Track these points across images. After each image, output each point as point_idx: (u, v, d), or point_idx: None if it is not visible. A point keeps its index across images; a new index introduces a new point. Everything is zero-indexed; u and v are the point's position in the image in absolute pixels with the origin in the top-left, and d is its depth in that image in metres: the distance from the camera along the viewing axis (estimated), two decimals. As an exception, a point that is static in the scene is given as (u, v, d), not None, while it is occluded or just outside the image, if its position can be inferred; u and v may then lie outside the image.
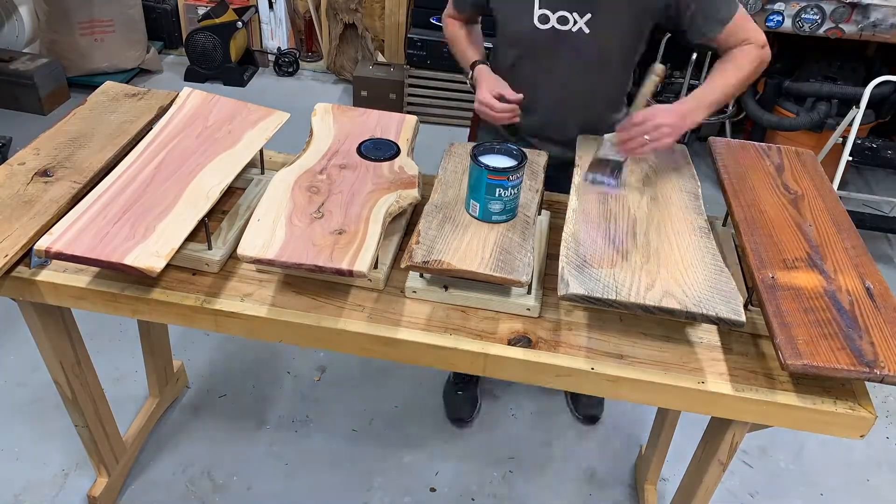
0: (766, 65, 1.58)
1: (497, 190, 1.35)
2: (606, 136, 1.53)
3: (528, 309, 1.34)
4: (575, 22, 1.57)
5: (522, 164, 1.37)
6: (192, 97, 1.70)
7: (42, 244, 1.25)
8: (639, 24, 1.60)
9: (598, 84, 1.70)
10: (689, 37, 1.59)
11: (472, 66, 1.75)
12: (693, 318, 1.20)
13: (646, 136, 1.44)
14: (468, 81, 1.75)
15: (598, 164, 1.51)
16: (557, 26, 1.59)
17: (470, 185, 1.38)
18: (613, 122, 1.74)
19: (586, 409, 2.31)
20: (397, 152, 1.55)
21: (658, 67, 1.46)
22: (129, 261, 1.23)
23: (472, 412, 2.30)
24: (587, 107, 1.73)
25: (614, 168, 1.50)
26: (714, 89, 1.52)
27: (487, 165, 1.34)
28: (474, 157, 1.36)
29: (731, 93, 1.56)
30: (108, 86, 1.81)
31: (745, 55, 1.55)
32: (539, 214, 1.54)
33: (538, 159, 1.60)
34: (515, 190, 1.37)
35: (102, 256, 1.23)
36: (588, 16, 1.56)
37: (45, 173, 1.48)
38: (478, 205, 1.38)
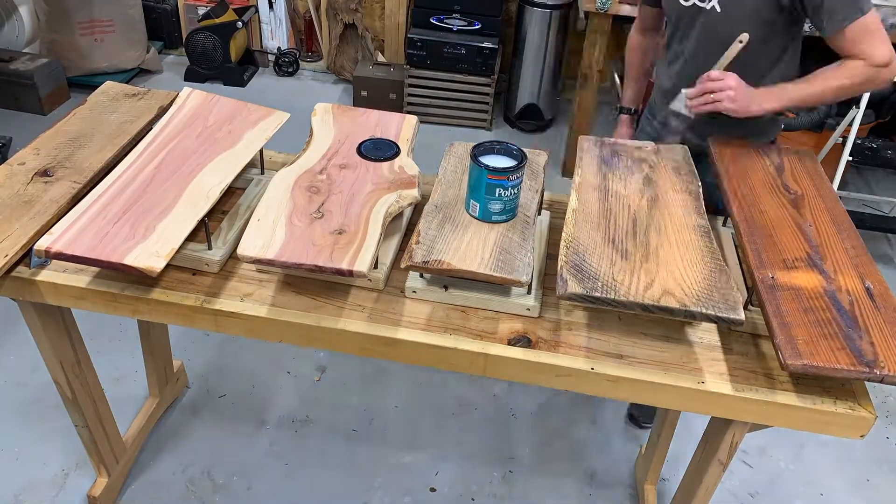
0: (881, 85, 1.55)
1: (497, 190, 1.35)
2: (684, 90, 1.60)
3: (528, 309, 1.34)
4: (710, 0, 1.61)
5: (522, 164, 1.37)
6: (192, 97, 1.70)
7: (42, 244, 1.25)
8: (767, 7, 1.58)
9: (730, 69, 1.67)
10: (817, 29, 1.59)
11: (620, 109, 2.00)
12: (692, 317, 1.20)
13: (712, 95, 1.49)
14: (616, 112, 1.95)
15: (671, 112, 1.65)
16: (698, 3, 1.63)
17: (470, 185, 1.39)
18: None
19: (647, 418, 2.30)
20: (397, 152, 1.55)
21: (743, 35, 1.49)
22: (129, 261, 1.23)
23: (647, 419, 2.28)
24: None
25: (682, 120, 1.62)
26: (800, 88, 1.52)
27: (487, 165, 1.34)
28: (474, 157, 1.36)
29: (819, 99, 1.55)
30: (108, 86, 1.81)
31: (849, 68, 1.53)
32: (539, 214, 1.54)
33: (538, 159, 1.60)
34: (515, 190, 1.37)
35: (102, 256, 1.23)
36: None
37: (45, 173, 1.49)
38: (478, 205, 1.38)
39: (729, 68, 1.57)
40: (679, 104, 1.63)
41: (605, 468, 2.20)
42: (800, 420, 1.23)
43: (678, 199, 1.48)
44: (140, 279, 1.34)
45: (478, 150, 1.39)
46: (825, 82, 1.54)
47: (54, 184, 1.46)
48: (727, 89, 1.49)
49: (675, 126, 1.66)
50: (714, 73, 1.52)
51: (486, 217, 1.39)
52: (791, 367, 1.12)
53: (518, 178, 1.36)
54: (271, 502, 2.03)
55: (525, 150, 1.43)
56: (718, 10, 1.61)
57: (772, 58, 1.69)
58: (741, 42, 1.52)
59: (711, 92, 1.51)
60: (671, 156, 1.63)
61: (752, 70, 1.65)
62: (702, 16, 1.65)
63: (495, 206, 1.37)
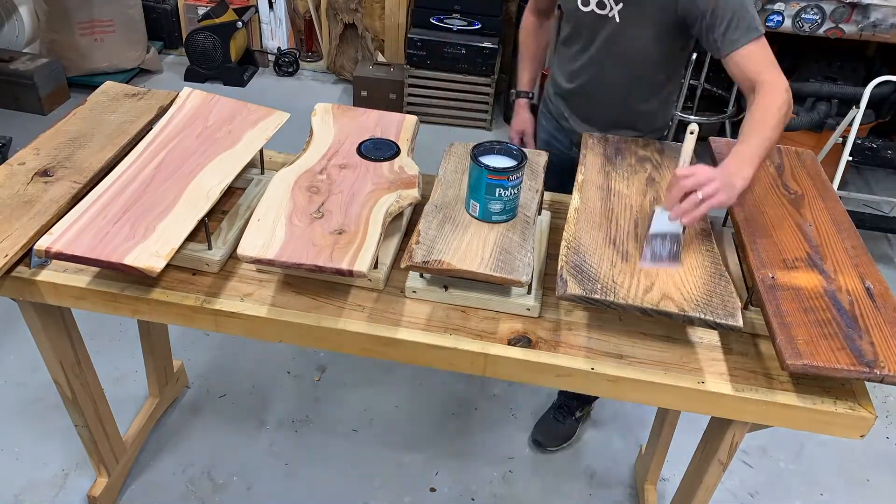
0: (791, 109, 1.44)
1: (497, 190, 1.35)
2: (657, 207, 1.34)
3: (528, 309, 1.34)
4: (611, 8, 1.58)
5: (522, 164, 1.37)
6: (192, 97, 1.70)
7: (42, 244, 1.25)
8: (664, 23, 1.56)
9: (630, 78, 1.68)
10: (708, 50, 1.55)
11: (517, 94, 1.93)
12: (690, 322, 1.20)
13: (698, 194, 1.28)
14: (512, 96, 1.88)
15: (655, 239, 1.32)
16: (597, 10, 1.60)
17: (470, 185, 1.39)
18: (636, 106, 1.73)
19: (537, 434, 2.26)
20: (397, 152, 1.55)
21: (693, 126, 1.37)
22: (129, 261, 1.23)
23: (552, 442, 2.25)
24: (619, 99, 1.73)
25: (672, 241, 1.31)
26: (755, 145, 1.37)
27: (488, 165, 1.34)
28: (474, 157, 1.36)
29: (773, 144, 1.40)
30: (108, 86, 1.81)
31: (773, 104, 1.40)
32: (539, 214, 1.54)
33: (538, 159, 1.60)
34: (515, 190, 1.37)
35: (102, 256, 1.23)
36: (620, 5, 1.56)
37: (45, 173, 1.49)
38: (478, 205, 1.38)
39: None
40: (661, 224, 1.32)
41: (605, 468, 2.19)
42: (800, 420, 1.23)
43: (678, 200, 1.47)
44: (140, 279, 1.34)
45: (478, 150, 1.39)
46: (768, 127, 1.38)
47: (54, 184, 1.46)
48: (712, 182, 1.28)
49: (669, 244, 1.33)
50: (681, 170, 1.31)
51: (486, 217, 1.39)
52: (791, 367, 1.12)
53: (518, 178, 1.36)
54: (271, 502, 2.03)
55: (525, 149, 1.43)
56: (618, 20, 1.58)
57: (668, 71, 1.69)
58: (692, 133, 1.36)
59: (691, 192, 1.29)
60: (675, 155, 1.63)
61: (647, 85, 1.69)
62: (604, 25, 1.61)
63: (495, 206, 1.37)
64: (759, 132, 1.38)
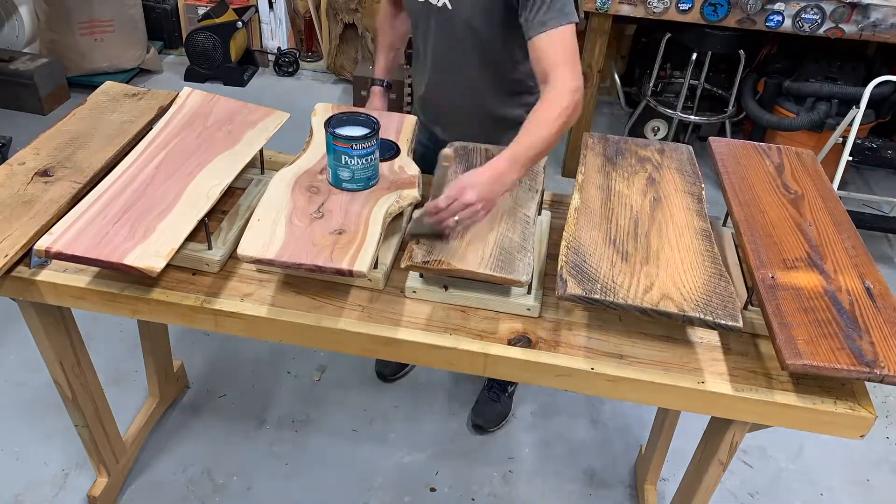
0: (578, 114, 1.39)
1: (343, 157, 1.38)
2: (416, 211, 1.34)
3: (529, 309, 1.34)
4: None
5: (369, 135, 1.38)
6: (191, 97, 1.70)
7: (42, 244, 1.25)
8: (492, 4, 1.50)
9: (472, 66, 1.63)
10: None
11: (372, 81, 1.86)
12: (690, 322, 1.20)
13: (456, 218, 1.28)
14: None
15: (418, 236, 1.34)
16: (431, 0, 1.56)
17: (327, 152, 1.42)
18: (498, 110, 1.70)
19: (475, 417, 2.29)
20: (397, 152, 1.55)
21: (446, 151, 1.30)
22: (129, 261, 1.23)
23: (492, 423, 2.28)
24: (465, 89, 1.69)
25: (434, 238, 1.33)
26: (528, 147, 1.34)
27: (334, 132, 1.37)
28: (328, 123, 1.39)
29: (546, 148, 1.36)
30: (108, 86, 1.81)
31: (555, 104, 1.36)
32: (539, 214, 1.54)
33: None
34: (365, 160, 1.39)
35: (102, 256, 1.23)
36: None
37: (45, 173, 1.49)
38: (330, 171, 1.42)
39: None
40: (421, 227, 1.32)
41: (605, 468, 2.19)
42: (800, 420, 1.23)
43: (681, 201, 1.48)
44: (140, 279, 1.34)
45: (336, 118, 1.42)
46: (542, 128, 1.35)
47: (54, 184, 1.46)
48: (471, 205, 1.27)
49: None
50: (441, 202, 1.27)
51: (336, 183, 1.42)
52: (791, 367, 1.12)
53: (365, 148, 1.38)
54: (271, 502, 2.03)
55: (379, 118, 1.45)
56: (449, 6, 1.52)
57: (514, 58, 1.62)
58: (446, 163, 1.32)
59: (454, 215, 1.28)
60: (676, 156, 1.63)
61: (500, 72, 1.64)
62: (437, 13, 1.56)
63: (344, 174, 1.40)
64: (536, 133, 1.35)
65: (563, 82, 1.38)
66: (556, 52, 1.40)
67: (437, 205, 1.28)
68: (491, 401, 2.28)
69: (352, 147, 1.37)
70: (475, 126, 1.73)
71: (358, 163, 1.39)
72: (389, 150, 1.55)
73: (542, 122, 1.36)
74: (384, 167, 1.50)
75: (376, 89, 1.86)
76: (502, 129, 1.67)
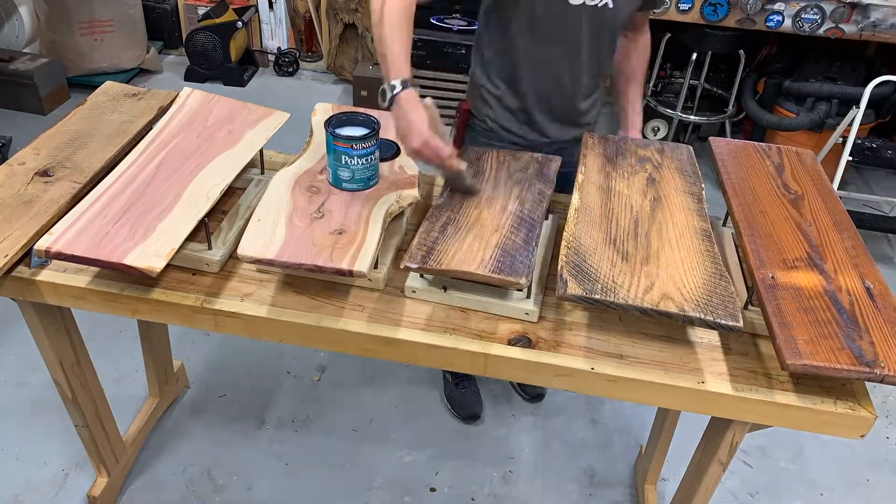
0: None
1: (343, 157, 1.38)
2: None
3: (527, 314, 1.33)
4: None
5: (369, 135, 1.39)
6: (192, 97, 1.70)
7: (42, 244, 1.25)
8: None
9: (599, 61, 1.71)
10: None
11: (404, 84, 1.37)
12: (690, 322, 1.20)
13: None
14: (387, 93, 1.38)
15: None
16: (587, 2, 1.56)
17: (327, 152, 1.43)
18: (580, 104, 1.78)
19: (533, 388, 2.35)
20: (398, 152, 1.55)
21: (427, 100, 1.32)
22: (129, 261, 1.23)
23: (481, 407, 2.32)
24: (591, 83, 1.77)
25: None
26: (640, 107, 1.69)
27: (334, 132, 1.37)
28: (328, 123, 1.40)
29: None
30: (108, 86, 1.81)
31: (644, 52, 1.79)
32: (546, 219, 1.54)
33: (551, 164, 1.59)
34: (365, 160, 1.40)
35: (102, 256, 1.23)
36: None
37: (45, 173, 1.48)
38: (330, 171, 1.42)
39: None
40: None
41: (605, 468, 2.20)
42: (800, 420, 1.23)
43: (681, 201, 1.47)
44: (140, 279, 1.34)
45: (336, 118, 1.43)
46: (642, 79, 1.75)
47: (54, 184, 1.46)
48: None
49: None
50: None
51: (336, 183, 1.43)
52: (791, 367, 1.12)
53: (365, 148, 1.38)
54: (271, 502, 2.03)
55: (378, 118, 1.46)
56: (611, 5, 1.57)
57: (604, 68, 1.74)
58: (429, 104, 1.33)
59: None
60: (676, 156, 1.63)
61: (603, 66, 1.73)
62: (595, 14, 1.58)
63: (344, 174, 1.41)
64: (642, 90, 1.84)
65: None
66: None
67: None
68: (470, 392, 2.32)
69: (352, 147, 1.37)
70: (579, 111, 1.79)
71: (358, 163, 1.39)
72: (390, 150, 1.55)
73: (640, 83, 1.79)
74: (384, 167, 1.50)
75: (412, 93, 1.37)
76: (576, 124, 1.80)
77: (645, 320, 1.34)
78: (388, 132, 1.62)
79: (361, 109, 1.49)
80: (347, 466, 2.14)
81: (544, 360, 1.26)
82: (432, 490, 2.10)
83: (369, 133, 1.40)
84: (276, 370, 2.42)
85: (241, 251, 1.25)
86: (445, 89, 3.91)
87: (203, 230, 1.37)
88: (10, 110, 3.78)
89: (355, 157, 1.38)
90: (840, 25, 3.06)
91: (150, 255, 1.24)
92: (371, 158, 1.41)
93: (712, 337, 1.33)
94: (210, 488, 2.05)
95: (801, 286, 1.27)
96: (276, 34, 4.45)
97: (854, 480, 2.23)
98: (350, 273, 1.22)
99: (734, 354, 1.30)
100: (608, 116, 4.23)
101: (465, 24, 3.78)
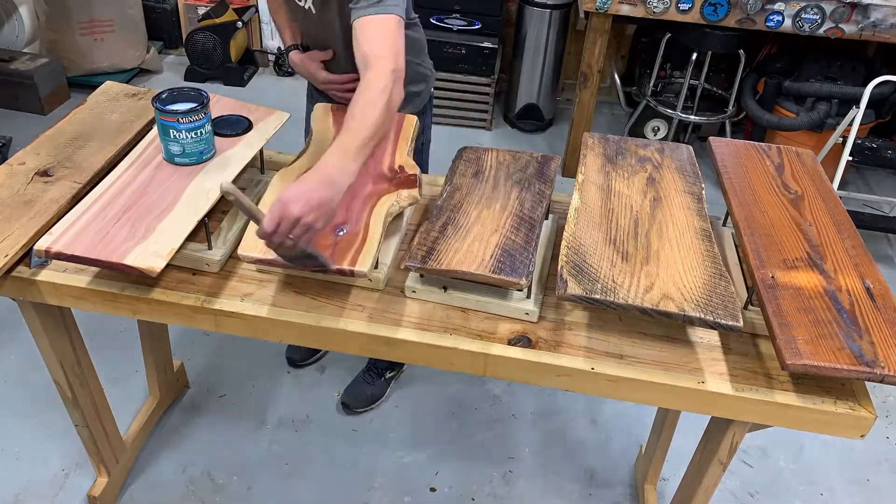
0: (400, 95, 1.36)
1: (171, 132, 1.41)
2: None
3: (527, 314, 1.33)
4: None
5: (196, 109, 1.41)
6: (192, 97, 1.70)
7: (42, 244, 1.25)
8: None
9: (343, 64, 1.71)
10: None
11: (288, 49, 1.83)
12: (690, 322, 1.20)
13: (290, 238, 1.15)
14: (284, 57, 1.80)
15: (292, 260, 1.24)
16: (297, 2, 1.67)
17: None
18: None
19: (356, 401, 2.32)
20: (249, 127, 1.59)
21: (224, 189, 1.09)
22: (129, 261, 1.23)
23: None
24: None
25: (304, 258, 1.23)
26: (356, 133, 1.26)
27: (160, 108, 1.40)
28: (155, 99, 1.42)
29: (376, 130, 1.29)
30: (108, 86, 1.81)
31: (371, 87, 1.33)
32: (546, 219, 1.54)
33: (551, 163, 1.59)
34: (194, 134, 1.42)
35: (102, 256, 1.23)
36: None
37: (45, 173, 1.49)
38: (163, 147, 1.45)
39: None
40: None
41: (605, 468, 2.20)
42: (800, 420, 1.23)
43: (681, 201, 1.48)
44: (140, 279, 1.34)
45: (166, 95, 1.44)
46: (369, 109, 1.30)
47: (54, 184, 1.46)
48: (303, 219, 1.14)
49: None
50: (266, 227, 1.13)
51: (170, 158, 1.46)
52: (791, 367, 1.12)
53: (192, 122, 1.41)
54: (271, 502, 2.03)
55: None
56: (314, 11, 1.65)
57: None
58: (231, 198, 1.11)
59: (288, 237, 1.16)
60: (676, 156, 1.63)
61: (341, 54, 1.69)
62: (308, 17, 1.68)
63: (174, 148, 1.44)
64: (361, 117, 1.28)
65: (382, 63, 1.35)
66: (374, 36, 1.40)
67: (264, 232, 1.14)
68: (365, 382, 2.32)
69: (178, 121, 1.40)
70: None
71: (187, 136, 1.42)
72: (240, 126, 1.58)
73: (366, 103, 1.30)
74: (384, 167, 1.50)
75: (296, 52, 1.80)
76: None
77: (645, 320, 1.34)
78: (387, 132, 1.62)
79: (194, 85, 1.51)
80: (347, 466, 2.14)
81: (544, 360, 1.26)
82: (432, 490, 2.10)
83: (196, 107, 1.42)
84: (276, 370, 2.42)
85: (241, 251, 1.25)
86: (445, 89, 3.91)
87: (203, 230, 1.37)
88: (10, 110, 3.78)
89: (183, 131, 1.41)
90: (840, 25, 3.06)
91: (150, 255, 1.24)
92: (201, 132, 1.43)
93: (712, 337, 1.33)
94: (210, 488, 2.05)
95: (801, 286, 1.27)
96: (276, 34, 4.45)
97: (854, 480, 2.23)
98: (351, 273, 1.22)
99: (734, 354, 1.30)
100: (608, 116, 4.24)
101: (465, 23, 3.78)
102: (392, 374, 2.36)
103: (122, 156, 1.53)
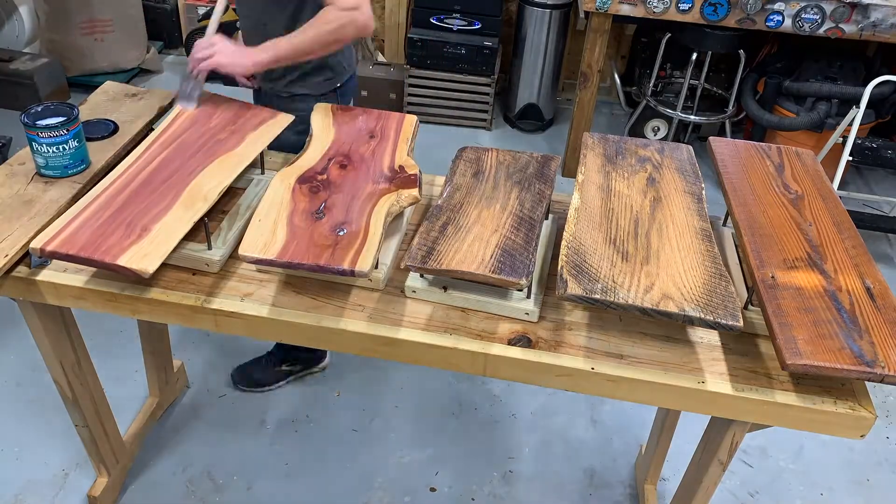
0: (362, 31, 1.62)
1: (33, 145, 1.45)
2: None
3: (527, 314, 1.33)
4: None
5: (56, 126, 1.43)
6: (192, 97, 1.69)
7: (37, 243, 1.25)
8: None
9: (271, 24, 1.77)
10: None
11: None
12: (690, 322, 1.20)
13: (205, 58, 1.59)
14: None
15: (183, 83, 1.66)
16: None
17: None
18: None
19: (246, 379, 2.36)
20: (115, 130, 1.62)
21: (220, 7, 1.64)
22: (123, 261, 1.22)
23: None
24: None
25: (193, 86, 1.66)
26: (288, 39, 1.59)
27: (26, 121, 1.43)
28: (23, 113, 1.45)
29: (310, 48, 1.61)
30: (108, 86, 1.81)
31: (325, 15, 1.59)
32: (546, 219, 1.54)
33: (551, 164, 1.59)
34: (56, 149, 1.44)
35: (96, 256, 1.23)
36: None
37: (45, 173, 1.48)
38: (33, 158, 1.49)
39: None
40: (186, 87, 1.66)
41: (605, 468, 2.20)
42: (800, 420, 1.23)
43: (681, 201, 1.47)
44: (136, 280, 1.34)
45: (35, 111, 1.47)
46: (309, 30, 1.59)
47: (54, 184, 1.46)
48: (212, 47, 1.59)
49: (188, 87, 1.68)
50: (202, 41, 1.61)
51: (37, 169, 1.49)
52: (791, 367, 1.12)
53: (54, 137, 1.43)
54: (271, 502, 2.03)
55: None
56: None
57: (294, 17, 1.74)
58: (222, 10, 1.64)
59: (205, 57, 1.59)
60: (676, 156, 1.63)
61: (273, 31, 1.71)
62: None
63: (39, 160, 1.47)
64: (301, 33, 1.59)
65: (341, 2, 1.59)
66: None
67: (198, 43, 1.61)
68: (258, 364, 2.34)
69: (38, 135, 1.43)
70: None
71: (49, 150, 1.44)
72: (105, 130, 1.61)
73: (311, 25, 1.59)
74: (384, 166, 1.50)
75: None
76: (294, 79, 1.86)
77: (645, 320, 1.34)
78: (387, 132, 1.62)
79: (59, 102, 1.54)
80: (347, 466, 2.14)
81: (544, 360, 1.26)
82: (432, 490, 2.10)
83: (58, 123, 1.44)
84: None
85: (241, 251, 1.25)
86: (445, 89, 3.92)
87: (203, 230, 1.37)
88: (10, 110, 3.78)
89: (44, 145, 1.44)
90: (840, 25, 3.06)
91: (144, 256, 1.24)
92: (63, 147, 1.46)
93: (712, 337, 1.33)
94: (210, 488, 2.05)
95: (801, 286, 1.27)
96: (276, 34, 4.45)
97: (854, 480, 2.23)
98: (352, 273, 1.22)
99: (734, 354, 1.30)
100: (608, 116, 4.24)
101: (465, 23, 3.78)
102: (289, 368, 2.34)
103: (122, 156, 1.53)
